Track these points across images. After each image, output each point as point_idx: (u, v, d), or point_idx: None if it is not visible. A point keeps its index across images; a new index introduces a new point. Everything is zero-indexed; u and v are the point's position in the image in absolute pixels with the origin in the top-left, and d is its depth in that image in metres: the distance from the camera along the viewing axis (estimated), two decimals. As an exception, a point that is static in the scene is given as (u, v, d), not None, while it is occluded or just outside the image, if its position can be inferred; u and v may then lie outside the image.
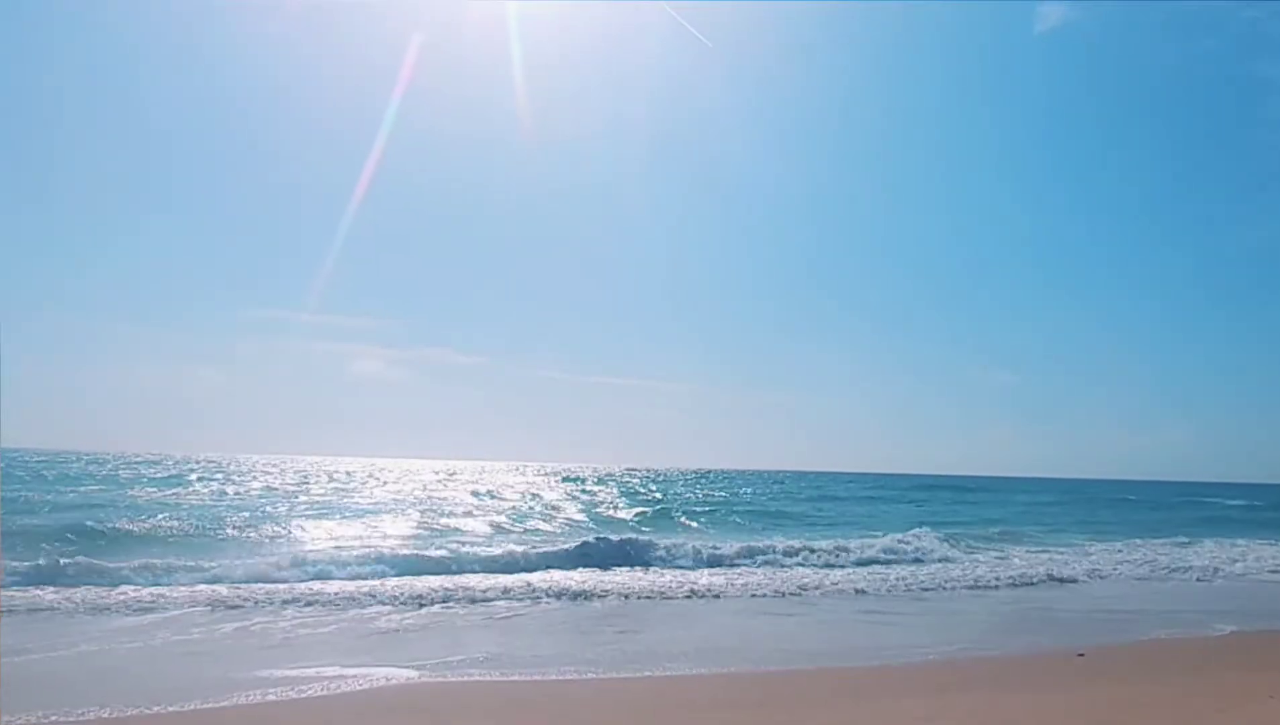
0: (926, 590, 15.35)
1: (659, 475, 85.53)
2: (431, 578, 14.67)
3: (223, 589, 12.73)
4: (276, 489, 40.01)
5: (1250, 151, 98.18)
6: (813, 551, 19.79)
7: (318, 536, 20.68)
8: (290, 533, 20.97)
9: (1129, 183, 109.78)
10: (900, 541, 21.71)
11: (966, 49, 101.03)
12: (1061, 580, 17.33)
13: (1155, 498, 63.91)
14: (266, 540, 19.76)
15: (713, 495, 47.92)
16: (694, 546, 19.34)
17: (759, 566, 18.08)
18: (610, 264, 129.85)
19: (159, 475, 47.57)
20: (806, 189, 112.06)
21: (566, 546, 19.22)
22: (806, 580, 15.56)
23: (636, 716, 7.06)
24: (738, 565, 18.16)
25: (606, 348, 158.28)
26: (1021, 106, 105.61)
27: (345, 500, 34.07)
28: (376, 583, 13.93)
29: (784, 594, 14.43)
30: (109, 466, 56.19)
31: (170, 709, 6.83)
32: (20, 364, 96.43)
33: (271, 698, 7.25)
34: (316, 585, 13.49)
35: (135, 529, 20.03)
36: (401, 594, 12.85)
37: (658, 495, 46.21)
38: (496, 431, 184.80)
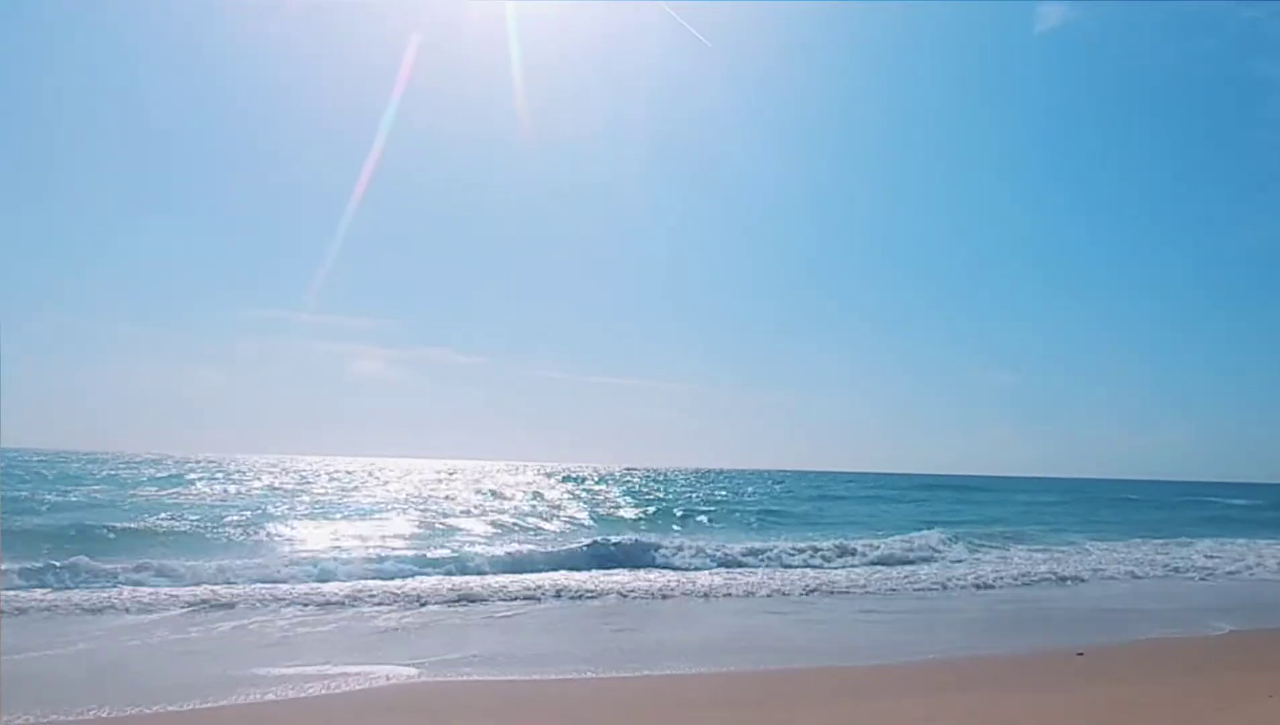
0: (927, 590, 15.32)
1: (659, 475, 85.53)
2: (431, 577, 14.69)
3: (222, 588, 12.71)
4: (277, 489, 40.03)
5: (1250, 151, 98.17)
6: (816, 551, 19.78)
7: (317, 536, 20.68)
8: (290, 532, 20.99)
9: (1129, 183, 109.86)
10: (904, 542, 21.68)
11: (966, 49, 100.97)
12: (1063, 579, 17.33)
13: (1156, 497, 63.91)
14: (266, 540, 19.78)
15: (713, 495, 47.93)
16: (695, 546, 19.30)
17: (760, 566, 18.09)
18: (610, 264, 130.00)
19: (159, 475, 47.59)
20: (806, 189, 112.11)
21: (567, 546, 19.23)
22: (807, 580, 15.55)
23: (636, 716, 7.06)
24: (738, 565, 18.13)
25: (606, 348, 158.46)
26: (1021, 106, 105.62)
27: (345, 500, 34.06)
28: (376, 582, 13.92)
29: (785, 594, 14.43)
30: (109, 466, 56.22)
31: (169, 708, 6.83)
32: (20, 364, 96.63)
33: (271, 697, 7.25)
34: (316, 585, 13.48)
35: (135, 529, 20.06)
36: (401, 593, 12.83)
37: (658, 495, 46.23)
38: (496, 431, 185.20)
